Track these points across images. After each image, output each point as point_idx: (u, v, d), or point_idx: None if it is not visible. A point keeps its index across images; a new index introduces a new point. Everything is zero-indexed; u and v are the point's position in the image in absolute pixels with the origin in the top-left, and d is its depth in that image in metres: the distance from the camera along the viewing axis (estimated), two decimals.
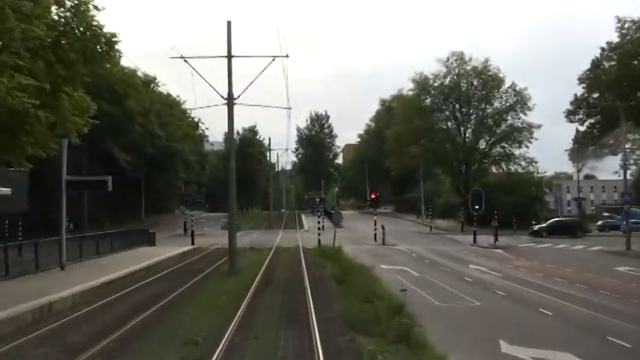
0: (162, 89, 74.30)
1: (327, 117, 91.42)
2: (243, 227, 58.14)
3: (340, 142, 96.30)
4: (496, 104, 59.75)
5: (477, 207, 39.74)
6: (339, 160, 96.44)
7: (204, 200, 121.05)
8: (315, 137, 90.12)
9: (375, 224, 41.23)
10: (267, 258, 27.79)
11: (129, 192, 71.14)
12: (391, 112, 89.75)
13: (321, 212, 51.39)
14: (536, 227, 47.21)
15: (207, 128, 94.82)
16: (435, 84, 61.00)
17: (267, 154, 79.63)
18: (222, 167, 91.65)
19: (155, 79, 70.08)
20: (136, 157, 61.88)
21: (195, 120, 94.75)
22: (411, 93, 64.38)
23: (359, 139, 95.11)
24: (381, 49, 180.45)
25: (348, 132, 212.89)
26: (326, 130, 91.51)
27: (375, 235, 40.91)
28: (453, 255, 31.80)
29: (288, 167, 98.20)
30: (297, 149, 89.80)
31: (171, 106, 73.65)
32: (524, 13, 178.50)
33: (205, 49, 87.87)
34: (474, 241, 39.74)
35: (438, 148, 60.84)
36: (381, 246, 38.02)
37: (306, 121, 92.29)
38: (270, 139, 53.34)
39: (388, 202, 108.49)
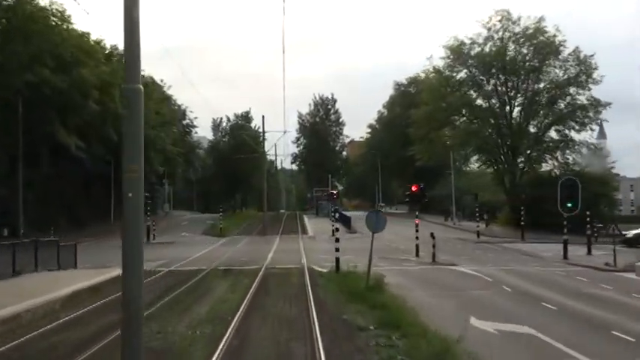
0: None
1: (334, 101, 77.92)
2: (229, 232, 44.64)
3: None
4: (553, 75, 46.20)
5: (569, 205, 26.12)
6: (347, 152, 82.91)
7: (195, 199, 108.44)
8: (320, 125, 76.36)
9: (418, 231, 27.58)
10: (242, 303, 13.56)
11: (95, 189, 57.89)
12: (408, 96, 76.51)
13: (333, 214, 38.18)
14: (631, 234, 33.63)
15: (196, 118, 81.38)
16: (473, 51, 47.45)
17: (263, 140, 66.06)
18: (212, 161, 78.20)
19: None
20: (96, 143, 48.46)
21: (182, 107, 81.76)
22: (442, 63, 50.63)
23: (369, 130, 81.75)
24: (380, 49, 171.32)
25: (349, 132, 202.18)
26: (332, 117, 77.58)
27: (417, 247, 27.16)
28: (568, 285, 18.31)
29: (288, 162, 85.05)
30: (298, 139, 76.56)
31: (146, 84, 59.89)
32: None
33: (197, 49, 75.76)
34: (565, 256, 26.26)
35: (477, 131, 47.27)
36: (431, 265, 24.33)
37: (309, 105, 79.33)
38: (263, 117, 40.42)
39: (399, 201, 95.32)
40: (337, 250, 20.74)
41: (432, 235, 24.59)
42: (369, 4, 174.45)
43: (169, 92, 75.72)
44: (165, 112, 63.68)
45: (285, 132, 43.25)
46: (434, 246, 24.36)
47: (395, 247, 31.88)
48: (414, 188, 27.05)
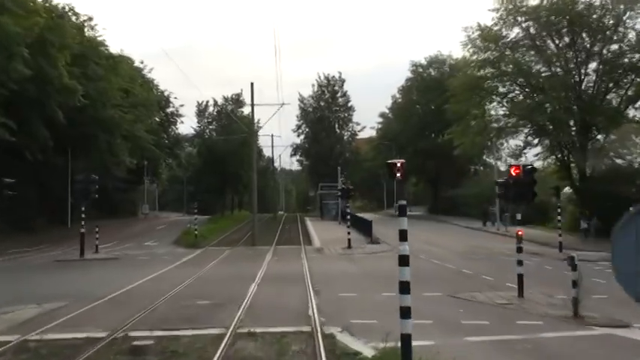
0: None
1: (342, 81, 64.96)
2: (208, 241, 32.77)
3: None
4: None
5: None
6: (367, 133, 70.07)
7: (186, 199, 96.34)
8: (325, 110, 64.12)
9: (520, 249, 15.06)
10: None
11: (49, 184, 46.09)
12: (427, 80, 64.62)
13: (347, 216, 26.63)
14: None
15: (181, 105, 69.37)
16: (532, 1, 35.45)
17: (252, 115, 53.97)
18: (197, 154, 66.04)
19: (91, 19, 44.84)
20: (36, 125, 36.67)
21: (165, 93, 69.82)
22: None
23: (380, 120, 69.55)
24: (379, 49, 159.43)
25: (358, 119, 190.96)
26: (340, 100, 64.95)
27: (520, 280, 14.27)
28: None
29: (286, 155, 73.05)
30: (299, 127, 64.19)
31: (111, 56, 48.00)
32: None
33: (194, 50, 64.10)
34: None
35: (538, 107, 35.27)
36: (586, 330, 11.50)
37: (312, 86, 66.38)
38: (252, 85, 29.18)
39: (414, 202, 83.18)
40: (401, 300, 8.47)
41: (571, 261, 11.87)
42: (369, 5, 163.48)
43: (151, 76, 64.08)
44: (138, 93, 51.69)
45: (282, 105, 32.39)
46: (576, 284, 11.66)
47: (457, 271, 19.91)
48: (515, 171, 14.46)
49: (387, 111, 69.41)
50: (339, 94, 63.15)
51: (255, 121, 40.47)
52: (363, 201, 79.80)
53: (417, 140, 63.38)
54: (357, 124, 64.69)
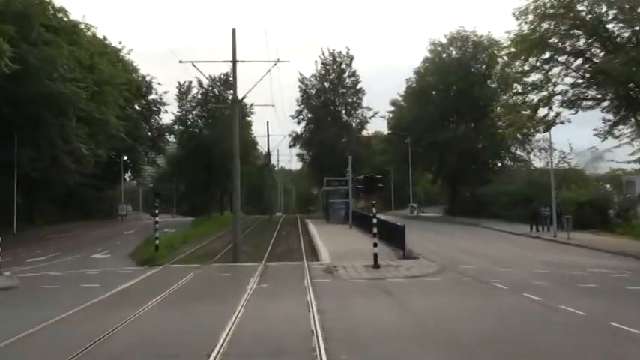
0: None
1: (350, 58, 54.05)
2: (174, 254, 23.42)
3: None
4: None
5: None
6: (375, 128, 59.80)
7: (178, 200, 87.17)
8: (331, 92, 54.12)
9: None
10: None
11: None
12: (448, 62, 55.41)
13: (373, 220, 17.22)
14: None
15: (166, 92, 59.97)
16: None
17: (234, 73, 44.85)
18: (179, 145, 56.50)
19: None
20: None
21: (148, 79, 60.53)
22: None
23: (391, 109, 60.08)
24: (379, 50, 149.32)
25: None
26: (348, 81, 53.92)
27: None
28: None
29: (284, 146, 63.72)
30: (299, 113, 54.60)
31: (72, 27, 38.72)
32: None
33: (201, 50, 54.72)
34: None
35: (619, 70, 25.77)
36: None
37: (315, 64, 55.54)
38: (234, 31, 22.20)
39: (426, 202, 73.99)
40: None
41: None
42: (370, 5, 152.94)
43: (130, 57, 54.98)
44: (105, 70, 42.38)
45: (276, 62, 24.07)
46: None
47: (597, 324, 10.36)
48: None
49: (400, 98, 60.00)
50: (346, 74, 53.04)
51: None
52: (368, 201, 70.39)
53: (435, 131, 54.15)
54: (369, 109, 54.99)
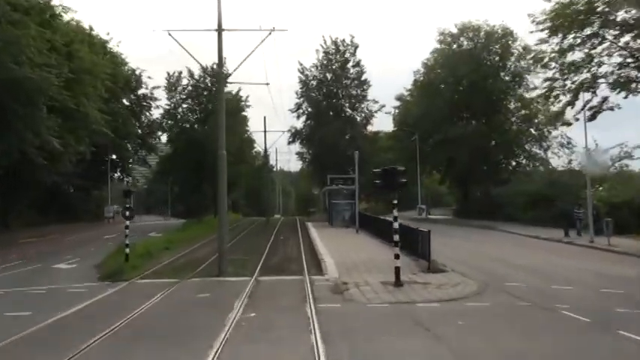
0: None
1: (355, 47, 48.99)
2: (144, 266, 19.21)
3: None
4: None
5: None
6: (382, 123, 54.37)
7: (173, 201, 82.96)
8: (333, 84, 48.47)
9: None
10: None
11: None
12: (457, 53, 51.39)
13: (394, 225, 12.92)
14: None
15: (156, 87, 55.78)
16: None
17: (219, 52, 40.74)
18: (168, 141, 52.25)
19: None
20: None
21: (137, 72, 56.58)
22: None
23: (396, 104, 56.01)
24: (382, 44, 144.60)
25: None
26: (352, 72, 48.88)
27: None
28: None
29: (283, 142, 59.54)
30: (299, 106, 49.49)
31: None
32: None
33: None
34: None
35: None
36: None
37: (316, 53, 50.01)
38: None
39: (433, 203, 69.83)
40: None
41: None
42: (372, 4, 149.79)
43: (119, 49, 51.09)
44: (85, 58, 38.29)
45: (272, 30, 20.42)
46: None
47: None
48: None
49: (406, 93, 55.92)
50: (350, 64, 48.45)
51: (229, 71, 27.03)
52: (369, 202, 66.32)
53: (444, 127, 50.13)
54: (375, 101, 50.48)
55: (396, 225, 14.65)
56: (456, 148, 50.45)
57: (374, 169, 16.35)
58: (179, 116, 44.71)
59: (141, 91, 57.45)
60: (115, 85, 52.40)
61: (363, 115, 48.40)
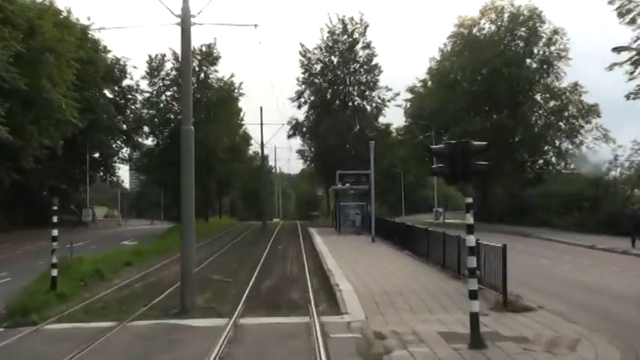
0: None
1: (365, 26, 41.89)
2: (80, 294, 12.78)
3: None
4: None
5: None
6: (390, 119, 46.70)
7: (166, 203, 77.03)
8: (340, 68, 41.81)
9: None
10: None
11: None
12: (477, 40, 45.52)
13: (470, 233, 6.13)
14: None
15: (144, 78, 49.65)
16: None
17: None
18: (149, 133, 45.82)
19: None
20: None
21: (122, 62, 50.76)
22: None
23: (409, 97, 49.72)
24: (391, 34, 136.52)
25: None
26: (361, 55, 42.06)
27: None
28: None
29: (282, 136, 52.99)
30: (299, 95, 42.38)
31: None
32: None
33: None
34: None
35: None
36: None
37: (320, 32, 43.00)
38: None
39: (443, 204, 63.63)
40: None
41: None
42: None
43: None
44: (47, 34, 32.26)
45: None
46: None
47: None
48: None
49: (418, 84, 49.75)
50: (359, 45, 41.99)
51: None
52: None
53: (463, 121, 44.15)
54: (388, 89, 44.01)
55: (471, 241, 8.59)
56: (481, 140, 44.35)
57: (432, 147, 10.24)
58: (162, 105, 38.49)
59: (125, 82, 51.45)
60: (95, 73, 46.61)
61: (373, 104, 41.91)
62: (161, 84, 37.77)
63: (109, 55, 50.67)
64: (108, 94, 51.33)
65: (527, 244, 27.65)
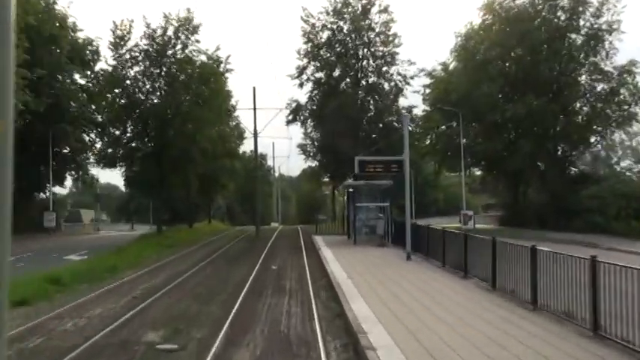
0: None
1: None
2: None
3: None
4: None
5: None
6: (413, 99, 37.34)
7: (154, 207, 69.48)
8: (351, 37, 33.34)
9: None
10: None
11: None
12: (514, 15, 38.03)
13: None
14: None
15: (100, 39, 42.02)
16: None
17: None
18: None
19: None
20: None
21: (95, 43, 43.41)
22: None
23: (429, 82, 41.88)
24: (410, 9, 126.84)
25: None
26: (378, 20, 33.59)
27: None
28: None
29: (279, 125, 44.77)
30: (300, 71, 33.48)
31: None
32: None
33: None
34: None
35: None
36: None
37: None
38: None
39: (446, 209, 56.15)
40: None
41: None
42: None
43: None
44: None
45: None
46: None
47: None
48: None
49: (438, 67, 41.98)
50: (375, 9, 32.93)
51: None
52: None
53: (496, 108, 36.71)
54: (411, 62, 35.79)
55: None
56: (505, 134, 37.09)
57: None
58: (128, 83, 30.58)
59: (99, 66, 43.79)
60: (59, 52, 39.27)
61: (392, 82, 33.85)
62: (128, 56, 30.13)
63: (80, 35, 43.36)
64: (79, 79, 43.96)
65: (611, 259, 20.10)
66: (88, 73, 43.95)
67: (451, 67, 41.51)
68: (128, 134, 29.79)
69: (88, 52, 43.45)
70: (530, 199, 44.22)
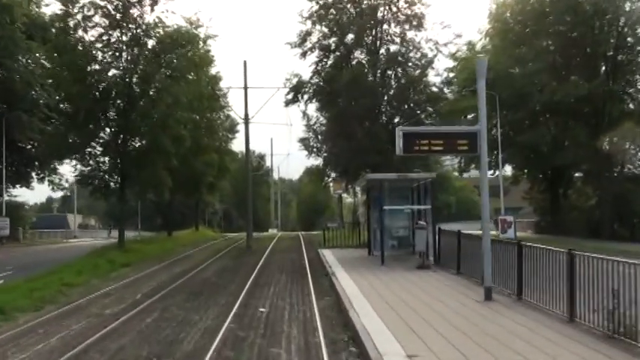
0: None
1: None
2: None
3: None
4: None
5: None
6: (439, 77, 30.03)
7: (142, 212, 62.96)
8: (365, 6, 24.95)
9: None
10: None
11: None
12: None
13: None
14: None
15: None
16: None
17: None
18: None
19: None
20: None
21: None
22: None
23: (450, 64, 34.68)
24: None
25: None
26: None
27: None
28: None
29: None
30: (304, 37, 25.02)
31: None
32: None
33: None
34: None
35: None
36: None
37: None
38: None
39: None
40: None
41: None
42: None
43: None
44: None
45: None
46: None
47: None
48: None
49: (464, 48, 34.78)
50: None
51: None
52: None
53: (545, 88, 30.04)
54: (444, 25, 28.17)
55: None
56: (557, 121, 30.40)
57: None
58: (79, 49, 23.59)
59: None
60: (9, 24, 32.40)
61: (419, 53, 26.34)
62: (80, 16, 23.12)
63: (47, 11, 36.21)
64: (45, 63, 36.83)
65: None
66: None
67: (484, 41, 34.53)
68: (80, 118, 22.84)
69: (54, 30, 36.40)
70: (573, 202, 37.62)
